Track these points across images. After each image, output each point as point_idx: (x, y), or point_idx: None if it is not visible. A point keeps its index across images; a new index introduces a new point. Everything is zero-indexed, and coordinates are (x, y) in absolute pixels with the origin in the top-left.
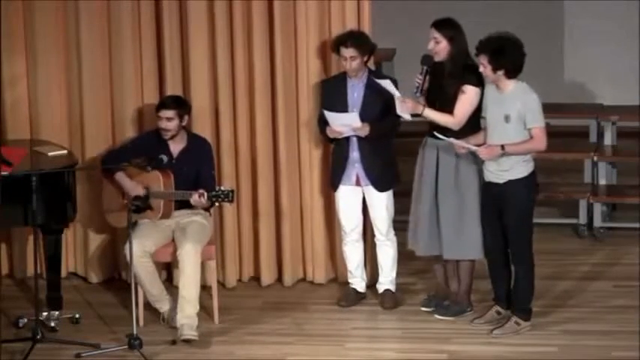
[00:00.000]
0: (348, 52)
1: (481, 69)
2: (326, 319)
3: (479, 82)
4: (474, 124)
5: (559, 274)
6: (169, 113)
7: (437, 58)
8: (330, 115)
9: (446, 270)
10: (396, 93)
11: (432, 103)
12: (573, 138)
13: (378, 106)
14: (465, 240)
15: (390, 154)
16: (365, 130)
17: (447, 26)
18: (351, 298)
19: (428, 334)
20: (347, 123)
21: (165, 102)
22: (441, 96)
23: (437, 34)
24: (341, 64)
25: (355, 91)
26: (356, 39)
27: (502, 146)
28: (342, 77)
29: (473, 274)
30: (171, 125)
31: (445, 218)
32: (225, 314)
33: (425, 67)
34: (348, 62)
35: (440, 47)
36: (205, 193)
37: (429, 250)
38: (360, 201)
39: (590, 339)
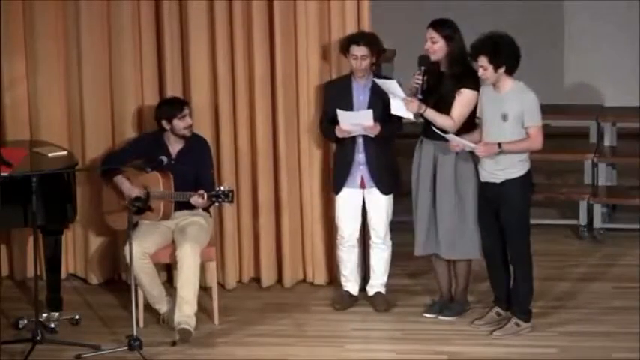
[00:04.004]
0: (360, 50)
1: (481, 72)
2: (326, 320)
3: (476, 85)
4: (470, 126)
5: (559, 275)
6: (188, 109)
7: (433, 58)
8: (342, 114)
9: (450, 269)
10: (402, 94)
11: (426, 104)
12: (573, 139)
13: (384, 108)
14: (464, 239)
15: (393, 157)
16: (376, 130)
17: (443, 26)
18: (346, 301)
19: (428, 336)
20: (359, 122)
21: (182, 101)
22: (436, 97)
23: (434, 34)
24: (349, 63)
25: (361, 94)
26: (368, 38)
27: (499, 144)
28: (347, 79)
29: (470, 273)
30: (190, 120)
31: (443, 218)
32: (226, 315)
33: (423, 68)
34: (358, 61)
35: (437, 47)
36: (205, 194)
37: (426, 249)
38: (361, 205)
39: (590, 340)
